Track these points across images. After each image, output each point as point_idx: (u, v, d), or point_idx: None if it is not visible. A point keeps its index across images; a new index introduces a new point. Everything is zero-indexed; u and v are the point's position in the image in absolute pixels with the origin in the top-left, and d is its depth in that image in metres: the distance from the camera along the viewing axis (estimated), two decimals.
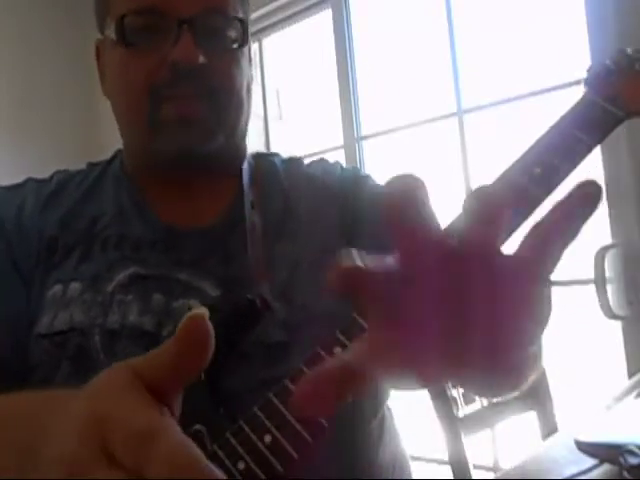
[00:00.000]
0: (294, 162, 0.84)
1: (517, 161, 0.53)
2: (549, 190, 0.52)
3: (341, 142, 2.26)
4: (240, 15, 0.72)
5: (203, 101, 0.68)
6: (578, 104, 0.59)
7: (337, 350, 0.47)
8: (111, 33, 0.71)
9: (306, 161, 0.85)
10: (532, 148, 0.55)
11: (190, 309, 0.66)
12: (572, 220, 0.33)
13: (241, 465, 0.48)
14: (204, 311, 0.34)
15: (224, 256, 0.71)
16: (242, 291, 0.64)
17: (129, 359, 0.37)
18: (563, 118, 0.57)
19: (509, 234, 0.50)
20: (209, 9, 0.69)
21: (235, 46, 0.71)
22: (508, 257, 0.32)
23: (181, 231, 0.73)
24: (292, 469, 0.47)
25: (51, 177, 0.80)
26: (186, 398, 0.52)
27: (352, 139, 2.23)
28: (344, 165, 0.85)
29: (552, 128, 0.57)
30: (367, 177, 0.83)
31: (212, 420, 0.55)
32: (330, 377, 0.31)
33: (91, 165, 0.82)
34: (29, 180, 0.79)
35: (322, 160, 0.85)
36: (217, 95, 0.69)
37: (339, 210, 0.76)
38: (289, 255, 0.71)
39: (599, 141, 0.57)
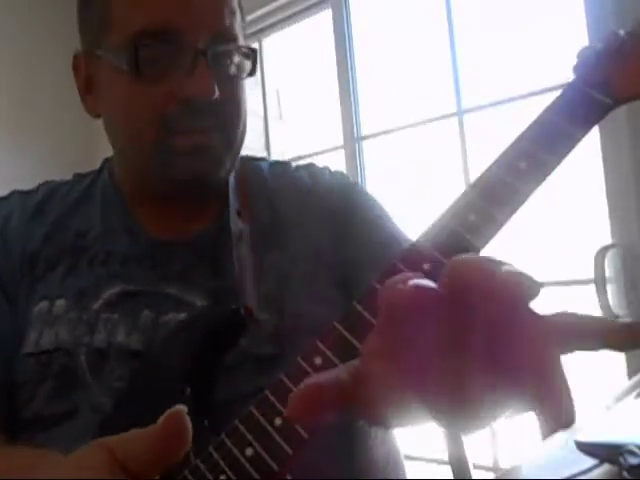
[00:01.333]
0: (281, 166, 0.83)
1: (502, 155, 0.51)
2: (535, 185, 0.49)
3: (341, 142, 2.26)
4: (249, 43, 0.72)
5: (216, 132, 0.68)
6: (564, 93, 0.55)
7: (317, 360, 0.46)
8: (114, 58, 0.67)
9: (294, 165, 0.84)
10: (517, 141, 0.52)
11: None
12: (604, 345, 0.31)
13: (223, 478, 0.47)
14: (183, 408, 0.37)
15: (212, 267, 0.70)
16: (229, 302, 0.64)
17: (107, 438, 0.40)
18: (549, 108, 0.54)
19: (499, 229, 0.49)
20: (222, 37, 0.67)
21: (245, 76, 0.70)
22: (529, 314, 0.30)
23: (168, 243, 0.72)
24: None
25: (37, 188, 0.79)
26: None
27: (352, 139, 2.23)
28: (332, 170, 0.84)
29: (538, 119, 0.53)
30: (355, 185, 0.82)
31: (196, 433, 0.53)
32: (325, 392, 0.31)
33: (79, 176, 0.81)
34: (14, 193, 0.79)
35: (310, 165, 0.84)
36: (228, 125, 0.69)
37: (327, 217, 0.75)
38: (277, 264, 0.70)
39: (586, 132, 0.53)
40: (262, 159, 0.84)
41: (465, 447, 1.17)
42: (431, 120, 2.12)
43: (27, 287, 0.71)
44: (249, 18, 2.48)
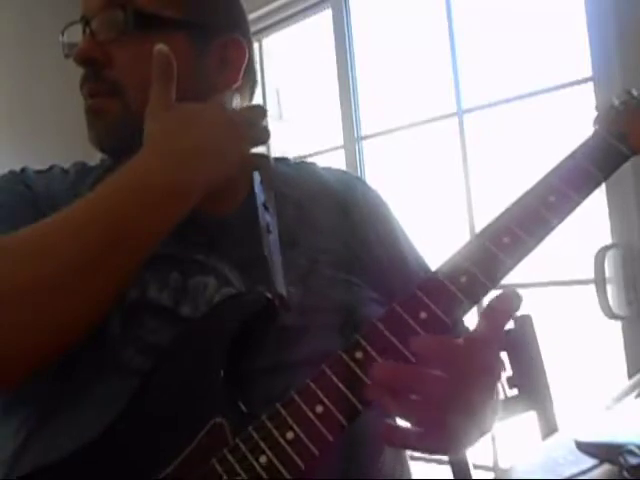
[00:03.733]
0: (308, 166, 0.86)
1: (533, 188, 0.59)
2: (562, 217, 0.58)
3: (341, 142, 2.26)
4: (146, 7, 0.70)
5: (107, 95, 0.71)
6: (589, 140, 0.63)
7: (359, 355, 0.51)
8: None
9: (321, 166, 0.87)
10: (547, 177, 0.60)
11: (206, 287, 0.69)
12: None
13: (263, 459, 0.50)
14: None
15: (237, 241, 0.73)
16: (260, 277, 0.66)
17: None
18: (576, 152, 0.62)
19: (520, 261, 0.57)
20: (104, 4, 0.70)
21: (125, 32, 0.69)
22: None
23: (197, 217, 0.74)
24: (312, 465, 0.49)
25: (69, 169, 0.82)
26: (204, 389, 0.57)
27: (352, 139, 2.23)
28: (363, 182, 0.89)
29: (565, 160, 0.61)
30: (386, 204, 0.86)
31: (231, 412, 0.55)
32: None
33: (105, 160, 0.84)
34: (55, 166, 0.82)
35: (340, 170, 0.88)
36: (121, 88, 0.70)
37: (352, 226, 0.79)
38: (302, 252, 0.73)
39: (608, 176, 0.61)
40: (284, 159, 0.87)
41: None
42: (431, 120, 2.12)
43: None
44: (249, 18, 2.47)
